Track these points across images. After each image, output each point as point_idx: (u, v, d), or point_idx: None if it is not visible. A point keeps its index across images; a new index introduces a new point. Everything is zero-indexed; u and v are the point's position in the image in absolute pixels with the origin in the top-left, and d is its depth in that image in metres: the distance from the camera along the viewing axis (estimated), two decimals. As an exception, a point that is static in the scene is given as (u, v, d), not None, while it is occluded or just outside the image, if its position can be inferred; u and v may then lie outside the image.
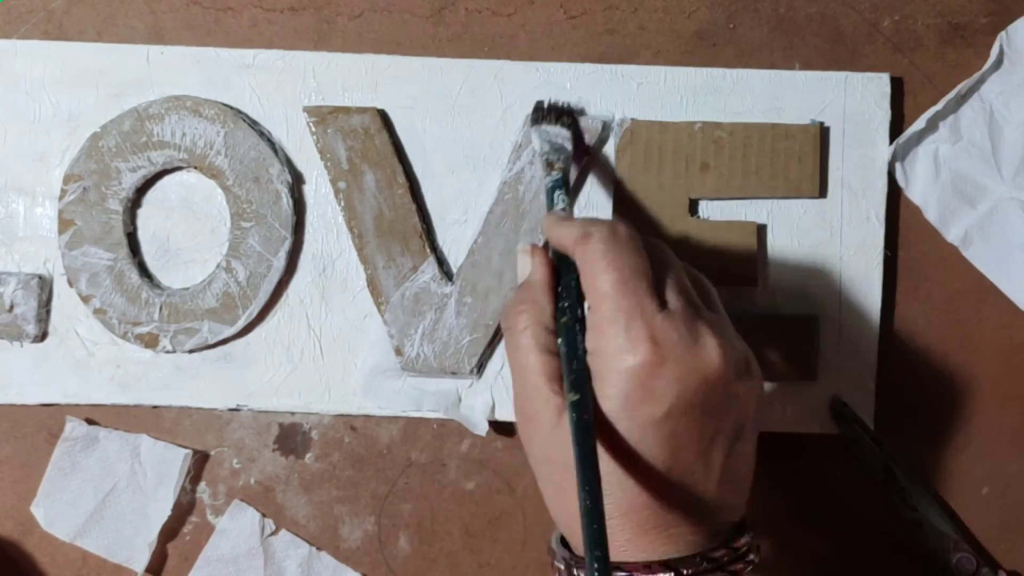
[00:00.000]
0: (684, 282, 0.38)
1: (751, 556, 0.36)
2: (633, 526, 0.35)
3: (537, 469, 0.37)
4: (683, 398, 0.34)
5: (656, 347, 0.34)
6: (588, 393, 0.34)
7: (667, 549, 0.35)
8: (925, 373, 0.51)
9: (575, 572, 0.36)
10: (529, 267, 0.39)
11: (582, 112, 0.49)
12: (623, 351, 0.34)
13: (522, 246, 0.40)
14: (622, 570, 0.34)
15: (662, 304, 0.36)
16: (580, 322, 0.37)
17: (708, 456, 0.35)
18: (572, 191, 0.49)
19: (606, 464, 0.34)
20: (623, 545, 0.35)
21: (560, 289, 0.38)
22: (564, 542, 0.38)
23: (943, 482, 0.51)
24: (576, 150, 0.47)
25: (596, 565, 0.31)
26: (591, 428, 0.33)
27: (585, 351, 0.36)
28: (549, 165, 0.45)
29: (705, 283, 0.41)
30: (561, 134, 0.47)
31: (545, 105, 0.48)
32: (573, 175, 0.48)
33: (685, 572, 0.34)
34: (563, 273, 0.39)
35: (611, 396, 0.34)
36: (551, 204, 0.43)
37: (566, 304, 0.37)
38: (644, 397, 0.34)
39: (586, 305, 0.37)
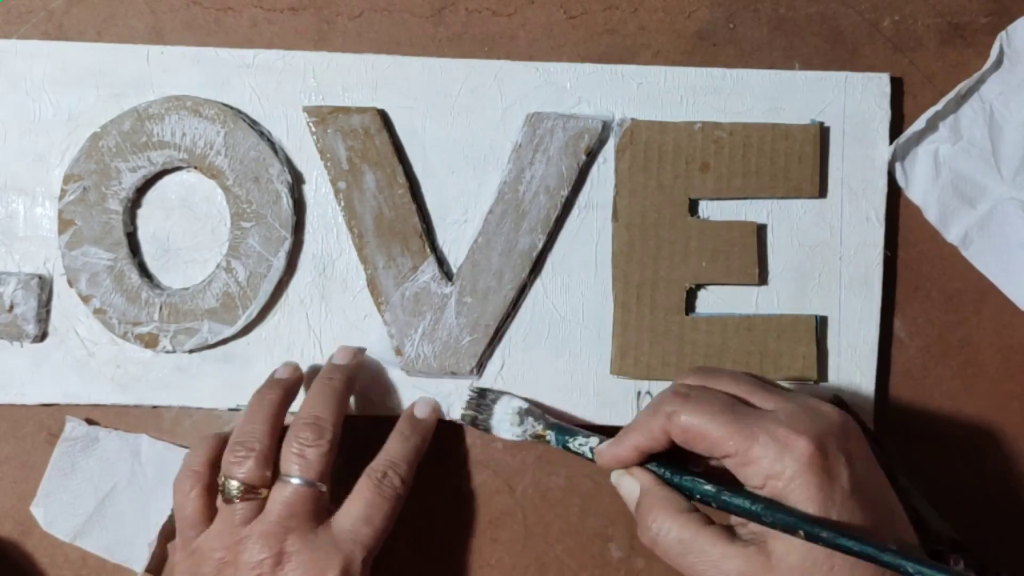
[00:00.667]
0: (755, 382, 0.41)
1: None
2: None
3: None
4: (851, 458, 0.37)
5: (806, 435, 0.36)
6: (801, 513, 0.36)
7: None
8: (925, 373, 0.51)
9: None
10: (630, 484, 0.41)
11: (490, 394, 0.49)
12: (788, 457, 0.36)
13: (615, 475, 0.42)
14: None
15: (767, 409, 0.38)
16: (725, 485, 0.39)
17: (886, 489, 0.39)
18: (573, 190, 0.49)
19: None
20: None
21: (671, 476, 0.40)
22: None
23: (943, 482, 0.51)
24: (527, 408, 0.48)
25: None
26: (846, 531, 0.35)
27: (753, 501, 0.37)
28: (538, 437, 0.46)
29: (755, 375, 0.42)
30: (498, 404, 0.48)
31: (471, 413, 0.48)
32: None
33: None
34: (668, 474, 0.40)
35: (808, 498, 0.36)
36: (587, 449, 0.44)
37: (699, 482, 0.39)
38: (832, 480, 0.36)
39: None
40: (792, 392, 0.40)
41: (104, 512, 0.49)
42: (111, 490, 0.49)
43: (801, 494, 0.36)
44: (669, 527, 0.38)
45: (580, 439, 0.44)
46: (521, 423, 0.47)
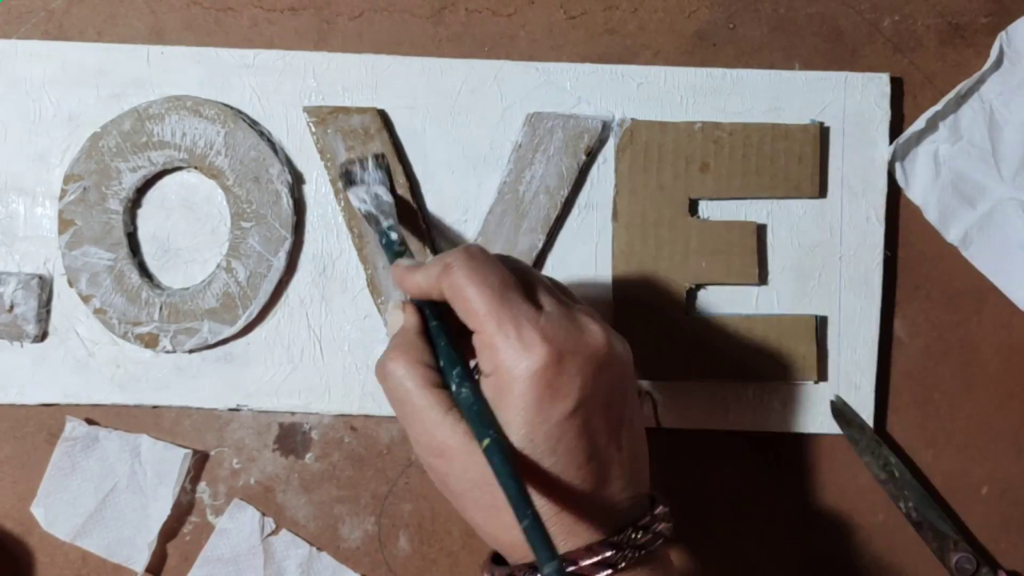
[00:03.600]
0: (547, 283, 0.40)
1: (666, 522, 0.38)
2: (568, 520, 0.36)
3: (462, 498, 0.37)
4: (587, 386, 0.36)
5: (551, 345, 0.35)
6: (497, 426, 0.35)
7: (602, 529, 0.36)
8: (925, 373, 0.51)
9: None
10: (398, 317, 0.40)
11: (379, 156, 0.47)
12: (521, 358, 0.35)
13: (393, 304, 0.41)
14: (567, 560, 0.35)
15: (538, 307, 0.37)
16: (462, 364, 0.37)
17: (618, 436, 0.37)
18: (573, 190, 0.49)
19: (534, 476, 0.35)
20: (563, 538, 0.36)
21: (431, 335, 0.39)
22: (497, 559, 0.39)
23: (943, 482, 0.51)
24: (392, 192, 0.46)
25: (549, 570, 0.32)
26: (507, 457, 0.34)
27: (477, 378, 0.37)
28: (373, 220, 0.45)
29: (560, 284, 0.42)
30: (374, 182, 0.46)
31: (350, 166, 0.46)
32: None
33: (623, 545, 0.36)
34: (428, 319, 0.39)
35: (522, 406, 0.35)
36: (391, 255, 0.43)
37: (442, 343, 0.38)
38: (553, 396, 0.35)
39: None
40: (580, 306, 0.39)
41: (104, 512, 0.49)
42: (111, 490, 0.49)
43: (518, 400, 0.35)
44: (402, 372, 0.37)
45: (399, 251, 0.43)
46: (370, 201, 0.45)
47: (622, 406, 0.38)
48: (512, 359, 0.35)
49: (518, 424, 0.35)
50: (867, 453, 0.49)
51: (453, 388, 0.37)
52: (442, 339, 0.38)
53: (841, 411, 0.49)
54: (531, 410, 0.35)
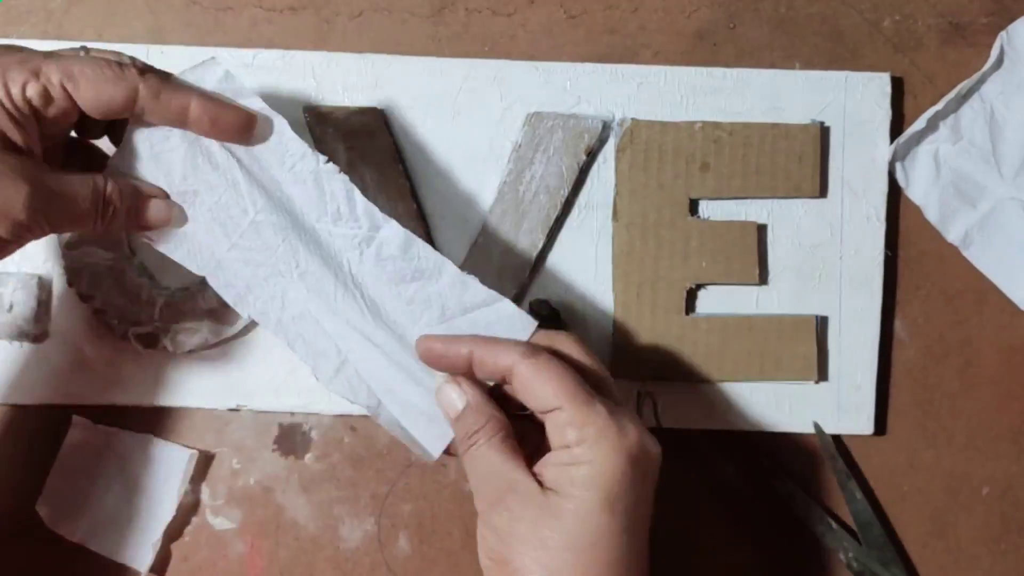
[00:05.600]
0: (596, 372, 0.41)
1: None
2: None
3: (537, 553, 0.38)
4: (634, 483, 0.37)
5: (638, 447, 0.37)
6: None
7: None
8: (925, 373, 0.51)
9: None
10: (458, 395, 0.40)
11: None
12: (615, 442, 0.37)
13: (442, 380, 0.40)
14: None
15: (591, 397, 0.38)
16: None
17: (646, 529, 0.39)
18: (573, 190, 0.49)
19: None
20: None
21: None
22: None
23: (943, 482, 0.51)
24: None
25: None
26: None
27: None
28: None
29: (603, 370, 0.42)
30: None
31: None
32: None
33: None
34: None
35: (594, 497, 0.36)
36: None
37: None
38: (624, 496, 0.37)
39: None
40: (620, 406, 0.41)
41: (109, 511, 0.49)
42: (117, 489, 0.49)
43: (594, 484, 0.36)
44: (488, 452, 0.38)
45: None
46: None
47: (647, 504, 0.39)
48: (599, 440, 0.37)
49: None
50: (801, 507, 0.49)
51: None
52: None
53: (771, 469, 0.50)
54: (602, 498, 0.36)
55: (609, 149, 0.50)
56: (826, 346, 0.50)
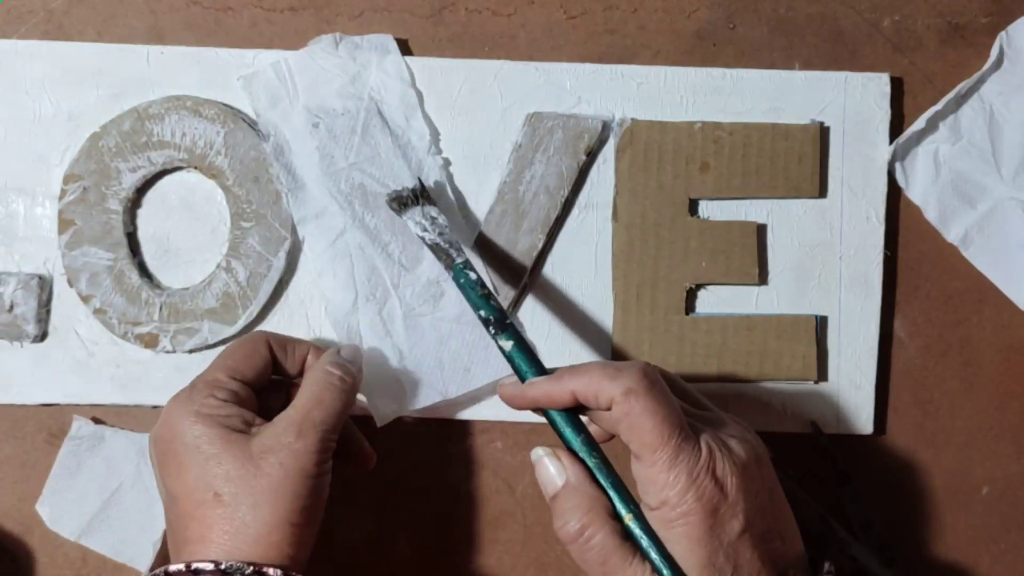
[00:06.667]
0: (693, 394, 0.42)
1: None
2: None
3: None
4: (747, 498, 0.38)
5: (714, 479, 0.37)
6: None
7: None
8: (925, 373, 0.51)
9: None
10: (558, 470, 0.40)
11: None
12: (689, 493, 0.37)
13: (541, 456, 0.40)
14: None
15: (696, 435, 0.38)
16: (635, 501, 0.39)
17: (779, 526, 0.39)
18: (573, 190, 0.49)
19: None
20: None
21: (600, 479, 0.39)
22: None
23: (942, 482, 0.51)
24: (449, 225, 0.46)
25: None
26: None
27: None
28: (441, 253, 0.44)
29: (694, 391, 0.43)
30: (432, 212, 0.46)
31: (404, 192, 0.46)
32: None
33: None
34: (587, 459, 0.39)
35: (697, 536, 0.37)
36: (475, 299, 0.43)
37: (610, 483, 0.39)
38: (723, 520, 0.37)
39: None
40: (714, 412, 0.41)
41: (109, 511, 0.49)
42: (117, 489, 0.49)
43: (692, 531, 0.37)
44: (594, 533, 0.38)
45: (473, 281, 0.43)
46: (431, 229, 0.45)
47: (770, 498, 0.39)
48: (678, 496, 0.37)
49: (698, 554, 0.37)
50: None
51: (635, 530, 0.38)
52: (609, 478, 0.39)
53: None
54: (706, 539, 0.37)
55: (609, 149, 0.50)
56: (825, 346, 0.50)
